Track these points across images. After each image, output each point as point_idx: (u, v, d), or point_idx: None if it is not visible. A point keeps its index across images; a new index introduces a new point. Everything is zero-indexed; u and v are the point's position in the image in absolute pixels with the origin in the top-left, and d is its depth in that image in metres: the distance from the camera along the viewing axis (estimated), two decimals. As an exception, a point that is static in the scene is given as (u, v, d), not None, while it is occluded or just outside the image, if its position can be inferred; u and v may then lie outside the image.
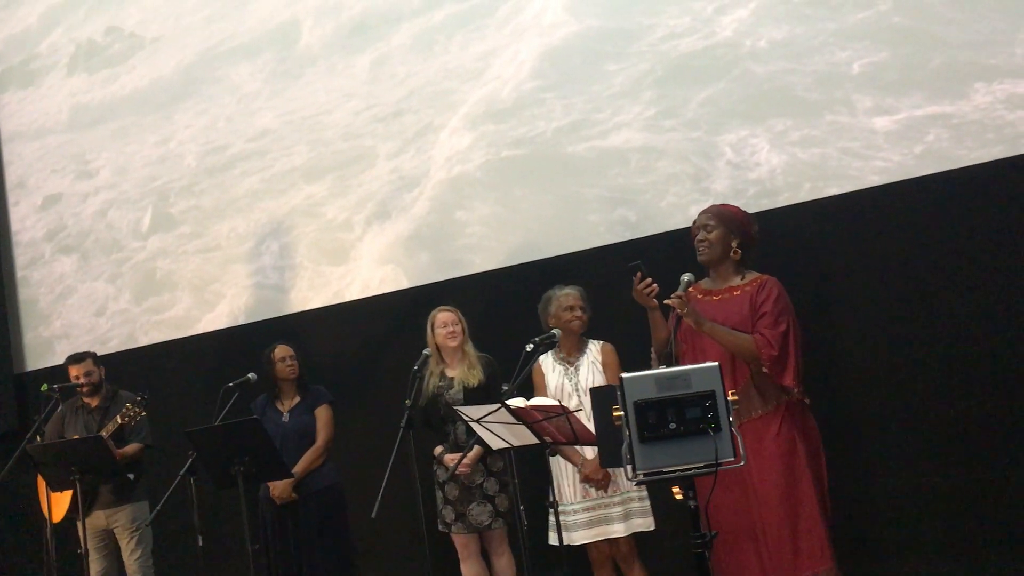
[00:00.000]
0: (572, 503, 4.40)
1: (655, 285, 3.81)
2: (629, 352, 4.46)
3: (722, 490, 3.45)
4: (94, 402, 5.68)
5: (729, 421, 2.74)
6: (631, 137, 5.20)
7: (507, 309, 5.38)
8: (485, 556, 4.82)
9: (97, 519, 5.50)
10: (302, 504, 5.09)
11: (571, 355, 4.54)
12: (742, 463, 2.79)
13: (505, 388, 3.92)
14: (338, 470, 5.27)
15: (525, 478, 4.13)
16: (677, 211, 4.96)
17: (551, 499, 4.03)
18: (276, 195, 6.50)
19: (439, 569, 4.48)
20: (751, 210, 4.30)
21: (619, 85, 5.25)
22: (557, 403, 3.85)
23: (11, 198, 7.73)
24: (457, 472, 4.57)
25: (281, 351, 5.29)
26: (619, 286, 4.01)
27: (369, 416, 5.70)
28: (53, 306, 7.43)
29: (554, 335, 4.25)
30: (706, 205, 4.18)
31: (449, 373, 4.84)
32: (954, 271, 4.38)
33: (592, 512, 4.37)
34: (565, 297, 4.52)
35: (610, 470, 4.27)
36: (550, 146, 5.46)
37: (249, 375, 5.18)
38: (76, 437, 5.48)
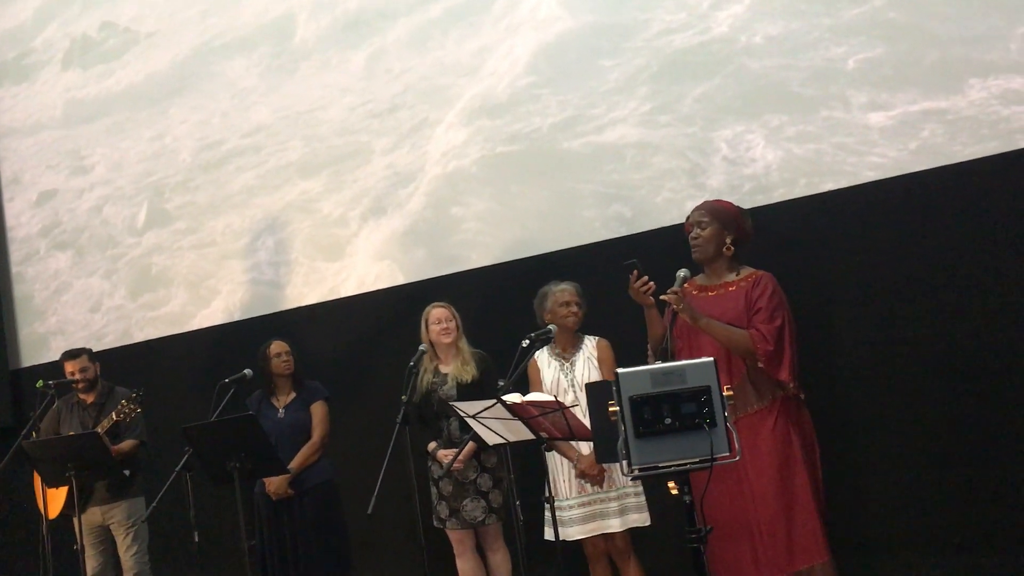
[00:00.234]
0: (568, 499, 4.41)
1: (651, 283, 3.82)
2: (624, 348, 4.46)
3: (718, 485, 3.46)
4: (90, 398, 5.68)
5: (724, 416, 2.74)
6: (626, 133, 5.20)
7: (503, 305, 5.38)
8: (481, 552, 4.83)
9: (93, 515, 5.50)
10: (298, 500, 5.10)
11: (567, 351, 4.54)
12: (737, 458, 2.80)
13: (501, 384, 3.92)
14: (334, 466, 5.27)
15: (521, 474, 4.14)
16: (672, 207, 4.97)
17: (547, 495, 4.03)
18: (271, 191, 6.49)
19: (435, 565, 4.49)
20: (746, 206, 4.30)
21: (614, 81, 5.25)
22: (553, 399, 3.85)
23: (6, 194, 7.72)
24: (452, 469, 4.58)
25: (277, 347, 5.29)
26: (615, 282, 4.02)
27: (365, 412, 5.71)
28: (48, 302, 7.43)
29: (549, 331, 4.26)
30: (701, 200, 4.19)
31: (443, 369, 4.85)
32: (949, 266, 4.38)
33: (588, 508, 4.38)
34: (561, 293, 4.53)
35: (605, 465, 4.27)
36: (545, 142, 5.46)
37: (245, 371, 5.18)
38: (72, 433, 5.48)
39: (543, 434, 3.80)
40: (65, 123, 7.48)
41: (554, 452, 4.40)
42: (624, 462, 2.77)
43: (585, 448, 4.33)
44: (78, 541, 5.27)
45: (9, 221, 7.68)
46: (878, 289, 4.54)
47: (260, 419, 4.87)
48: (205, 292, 6.72)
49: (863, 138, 4.58)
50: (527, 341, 4.10)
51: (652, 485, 4.22)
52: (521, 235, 5.52)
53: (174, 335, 6.78)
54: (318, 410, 5.26)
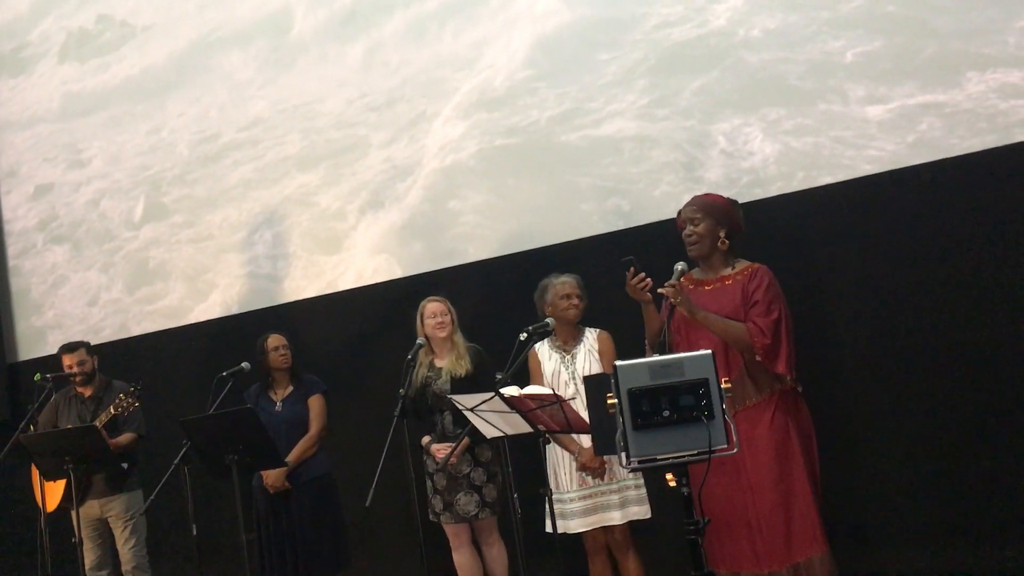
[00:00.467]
0: (569, 491, 4.41)
1: (648, 280, 3.81)
2: (622, 341, 4.47)
3: (716, 478, 3.47)
4: (87, 392, 5.68)
5: (722, 409, 2.74)
6: (624, 126, 5.20)
7: (501, 298, 5.38)
8: (478, 546, 4.84)
9: (91, 508, 5.50)
10: (295, 493, 5.10)
11: (568, 343, 4.54)
12: (735, 450, 2.80)
13: (499, 377, 3.92)
14: (331, 459, 5.27)
15: (518, 467, 4.14)
16: (671, 200, 4.96)
17: (547, 488, 4.03)
18: (269, 184, 6.48)
19: (432, 558, 4.49)
20: (744, 199, 4.31)
21: (612, 74, 5.25)
22: (550, 392, 3.85)
23: (3, 187, 7.71)
24: (447, 464, 4.59)
25: (274, 340, 5.29)
26: (613, 275, 4.02)
27: (362, 405, 5.70)
28: (45, 296, 7.42)
29: (547, 324, 4.25)
30: (700, 194, 4.18)
31: (438, 363, 4.84)
32: (946, 260, 4.39)
33: (589, 500, 4.37)
34: (562, 285, 4.52)
35: (606, 458, 4.28)
36: (543, 135, 5.46)
37: (242, 364, 5.18)
38: (70, 427, 5.48)
39: (541, 427, 3.80)
40: (62, 116, 7.47)
41: (555, 445, 4.40)
42: (622, 454, 2.77)
43: (586, 441, 4.32)
44: (76, 534, 5.27)
45: (6, 214, 7.67)
46: (875, 282, 4.54)
47: (258, 412, 4.87)
48: (203, 286, 6.71)
49: (861, 131, 4.58)
50: (524, 334, 4.10)
51: (652, 477, 4.22)
52: (519, 228, 5.52)
53: (172, 329, 6.78)
54: (316, 403, 5.26)
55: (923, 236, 4.45)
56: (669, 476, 2.85)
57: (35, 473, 5.42)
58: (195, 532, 4.76)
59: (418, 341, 4.72)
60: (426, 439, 4.81)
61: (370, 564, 5.77)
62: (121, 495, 5.52)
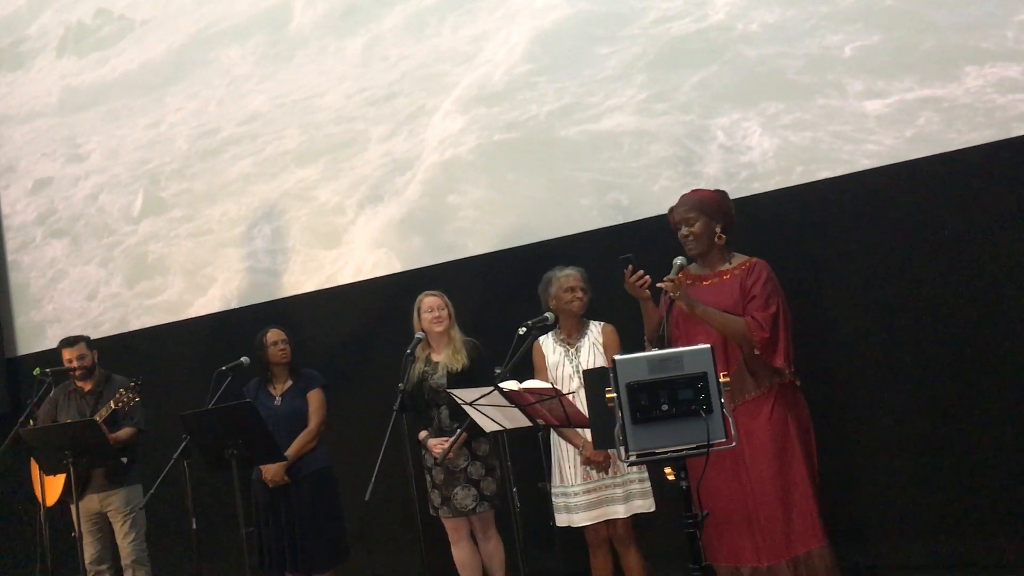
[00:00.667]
0: (573, 485, 4.40)
1: (647, 277, 3.81)
2: (621, 335, 4.47)
3: (715, 471, 3.49)
4: (87, 386, 5.68)
5: (721, 403, 2.75)
6: (623, 121, 5.20)
7: (500, 292, 5.39)
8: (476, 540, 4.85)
9: (91, 502, 5.50)
10: (294, 487, 5.10)
11: (572, 336, 4.53)
12: (733, 444, 2.81)
13: (498, 371, 3.93)
14: (330, 453, 5.28)
15: (517, 460, 4.15)
16: (670, 195, 4.94)
17: (548, 482, 4.03)
18: (268, 178, 6.48)
19: (431, 552, 4.50)
20: (742, 194, 4.31)
21: (611, 68, 5.25)
22: (550, 385, 3.86)
23: (1, 182, 7.71)
24: (444, 459, 4.60)
25: (273, 335, 5.30)
26: (612, 269, 4.02)
27: (361, 399, 5.71)
28: (44, 290, 7.42)
29: (547, 318, 4.25)
30: (687, 192, 4.12)
31: (434, 358, 4.85)
32: (944, 254, 4.40)
33: (594, 494, 4.36)
34: (566, 278, 4.50)
35: (611, 452, 4.27)
36: (542, 130, 5.46)
37: (242, 359, 5.19)
38: (69, 421, 5.48)
39: (540, 421, 3.80)
40: (60, 110, 7.46)
41: (560, 439, 4.39)
42: (621, 448, 2.78)
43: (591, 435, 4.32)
44: (76, 528, 5.28)
45: (5, 209, 7.67)
46: (873, 277, 4.55)
47: (256, 407, 4.87)
48: (202, 280, 6.71)
49: (859, 126, 4.59)
50: (524, 328, 4.10)
51: (656, 471, 4.23)
52: (518, 223, 5.53)
53: (171, 323, 6.78)
54: (315, 398, 5.26)
55: (921, 230, 4.45)
56: (667, 470, 2.86)
57: (35, 467, 5.43)
58: (195, 526, 4.77)
59: (417, 335, 4.73)
60: (423, 434, 4.81)
61: (369, 558, 5.78)
62: (121, 489, 5.53)
